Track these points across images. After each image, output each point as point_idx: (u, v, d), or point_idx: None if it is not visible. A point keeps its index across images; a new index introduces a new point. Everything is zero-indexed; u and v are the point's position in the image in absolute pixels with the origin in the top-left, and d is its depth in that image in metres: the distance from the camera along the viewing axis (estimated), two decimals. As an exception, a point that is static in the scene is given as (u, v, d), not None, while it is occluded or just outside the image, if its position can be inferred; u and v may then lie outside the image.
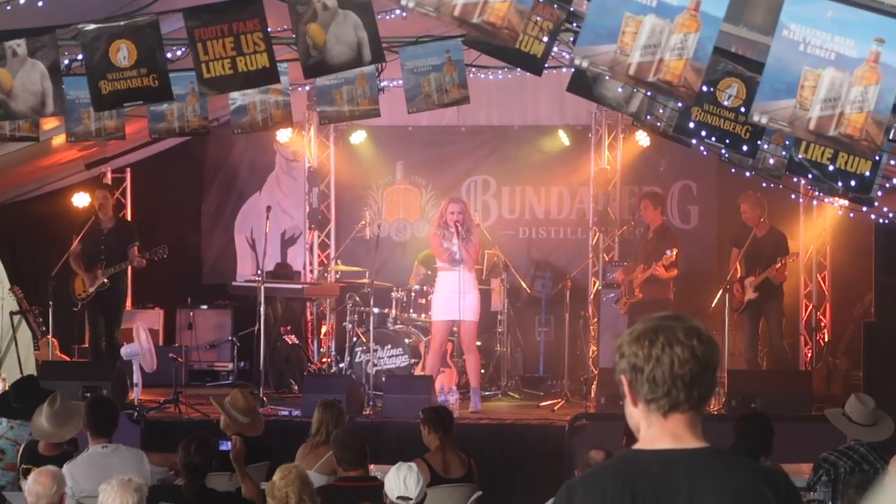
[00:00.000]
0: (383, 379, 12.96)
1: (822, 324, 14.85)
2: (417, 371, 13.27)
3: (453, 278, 12.59)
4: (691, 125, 8.73)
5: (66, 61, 9.53)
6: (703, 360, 3.30)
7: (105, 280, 13.29)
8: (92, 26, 8.78)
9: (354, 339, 13.63)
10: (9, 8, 8.43)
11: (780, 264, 12.99)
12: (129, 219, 15.23)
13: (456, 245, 12.53)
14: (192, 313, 15.37)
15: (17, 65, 8.83)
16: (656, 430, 3.35)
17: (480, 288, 13.33)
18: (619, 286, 14.00)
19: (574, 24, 7.85)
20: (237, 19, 8.52)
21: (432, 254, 13.22)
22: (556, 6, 7.95)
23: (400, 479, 6.68)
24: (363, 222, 14.84)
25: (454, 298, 12.55)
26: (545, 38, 8.28)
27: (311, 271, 15.79)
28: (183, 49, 9.29)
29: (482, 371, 13.63)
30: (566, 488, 3.41)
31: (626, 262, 14.19)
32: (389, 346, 13.49)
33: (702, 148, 9.81)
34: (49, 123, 11.10)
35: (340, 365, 14.01)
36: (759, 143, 8.77)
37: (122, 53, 8.72)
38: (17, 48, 8.80)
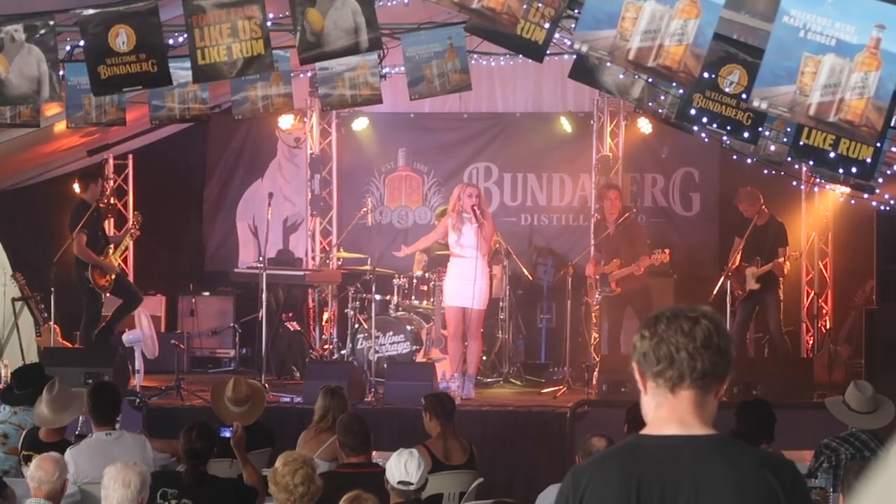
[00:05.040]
0: (385, 366, 12.97)
1: (824, 311, 14.86)
2: (419, 358, 13.29)
3: (465, 265, 12.60)
4: (693, 112, 8.72)
5: (68, 47, 9.54)
6: (706, 333, 3.31)
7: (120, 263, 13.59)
8: (91, 11, 8.77)
9: (356, 325, 13.64)
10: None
11: (785, 261, 13.00)
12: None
13: (471, 231, 12.53)
14: (194, 300, 15.38)
15: (14, 50, 8.83)
16: (665, 412, 3.36)
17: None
18: (588, 277, 13.94)
19: (575, 11, 7.83)
20: (236, 5, 8.51)
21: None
22: (557, -8, 7.94)
23: (401, 464, 6.69)
24: (365, 209, 14.83)
25: (465, 285, 12.57)
26: (546, 25, 8.26)
27: (313, 258, 15.79)
28: (184, 36, 9.28)
29: (483, 358, 13.67)
30: (572, 474, 3.43)
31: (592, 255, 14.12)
32: (391, 333, 13.50)
33: (703, 135, 9.81)
34: (50, 110, 11.10)
35: (342, 352, 14.01)
36: (760, 129, 8.77)
37: (122, 38, 8.71)
38: (15, 33, 8.80)
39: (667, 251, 13.27)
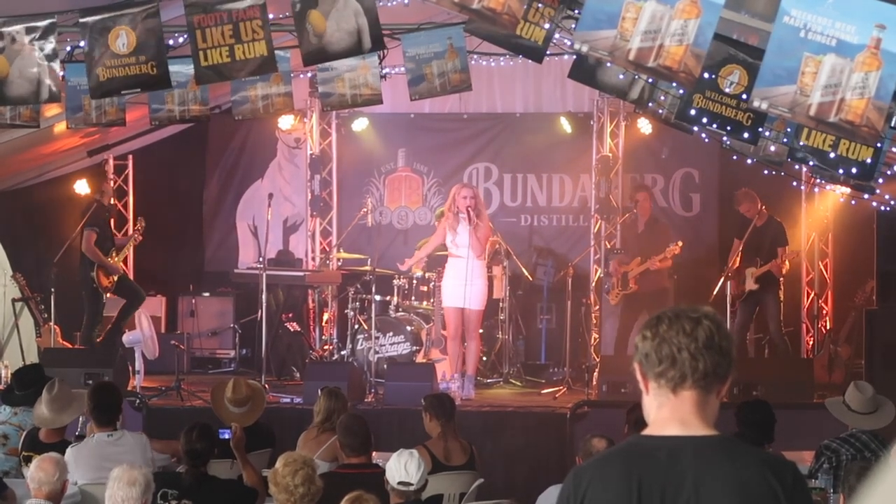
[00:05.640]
0: (385, 366, 12.97)
1: (824, 311, 14.86)
2: (419, 358, 13.28)
3: (461, 265, 12.59)
4: (693, 112, 8.72)
5: (69, 48, 9.53)
6: (708, 333, 3.31)
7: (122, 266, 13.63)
8: (92, 13, 8.76)
9: (356, 326, 13.63)
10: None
11: (783, 260, 13.07)
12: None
13: (465, 231, 12.54)
14: (194, 301, 15.38)
15: (14, 52, 8.82)
16: (666, 413, 3.36)
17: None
18: (611, 276, 14.04)
19: (575, 11, 7.83)
20: (237, 6, 8.50)
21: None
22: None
23: (401, 464, 6.68)
24: (365, 210, 14.84)
25: (461, 285, 12.56)
26: (546, 25, 8.27)
27: (313, 259, 15.78)
28: (185, 36, 9.27)
29: (483, 358, 13.67)
30: (573, 474, 3.43)
31: (618, 252, 14.20)
32: (391, 334, 13.50)
33: (703, 135, 9.80)
34: (50, 110, 11.10)
35: (342, 352, 14.01)
36: (760, 130, 8.76)
37: (122, 40, 8.69)
38: (17, 35, 8.79)
39: (679, 243, 13.37)
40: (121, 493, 6.30)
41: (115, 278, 13.48)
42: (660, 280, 13.55)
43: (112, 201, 14.64)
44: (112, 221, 14.92)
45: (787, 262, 13.27)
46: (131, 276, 14.77)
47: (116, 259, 13.59)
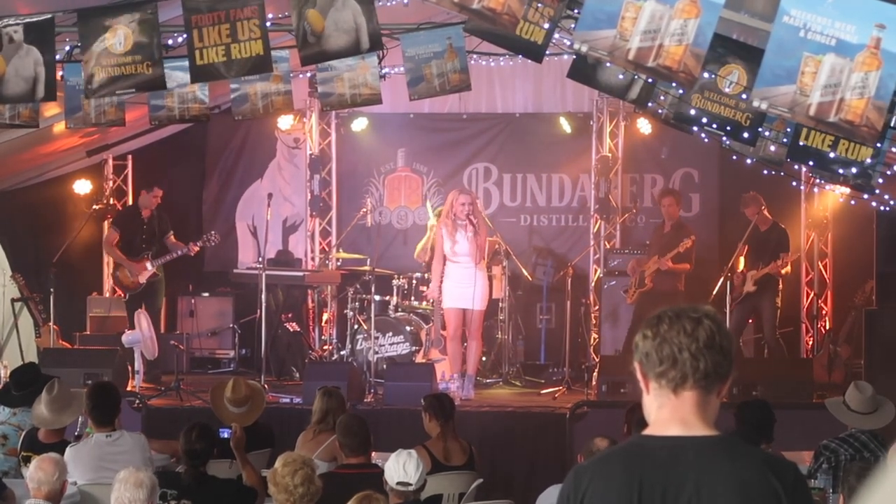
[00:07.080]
0: (384, 366, 12.97)
1: (824, 311, 14.85)
2: (419, 359, 13.28)
3: (462, 271, 12.59)
4: (692, 112, 8.72)
5: (68, 48, 9.52)
6: (709, 333, 3.31)
7: (156, 270, 13.51)
8: (90, 13, 8.76)
9: (356, 326, 13.63)
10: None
11: (783, 262, 13.08)
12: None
13: (464, 239, 12.53)
14: (193, 301, 15.36)
15: (12, 51, 8.82)
16: (667, 413, 3.35)
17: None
18: (623, 274, 14.07)
19: (575, 11, 7.82)
20: (235, 6, 8.49)
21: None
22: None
23: (399, 465, 6.68)
24: (364, 210, 14.83)
25: (464, 287, 12.55)
26: (546, 25, 8.25)
27: (313, 259, 15.78)
28: (184, 36, 9.27)
29: (483, 358, 13.66)
30: (574, 473, 3.42)
31: (637, 253, 14.23)
32: (391, 334, 13.49)
33: (703, 135, 9.80)
34: (50, 110, 11.10)
35: (342, 352, 14.01)
36: (759, 130, 8.76)
37: (118, 39, 8.68)
38: (15, 34, 8.79)
39: (692, 237, 13.47)
40: (128, 494, 6.30)
41: (140, 280, 13.49)
42: (674, 281, 13.58)
43: (105, 201, 14.62)
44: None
45: (788, 266, 13.29)
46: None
47: (153, 262, 13.60)
